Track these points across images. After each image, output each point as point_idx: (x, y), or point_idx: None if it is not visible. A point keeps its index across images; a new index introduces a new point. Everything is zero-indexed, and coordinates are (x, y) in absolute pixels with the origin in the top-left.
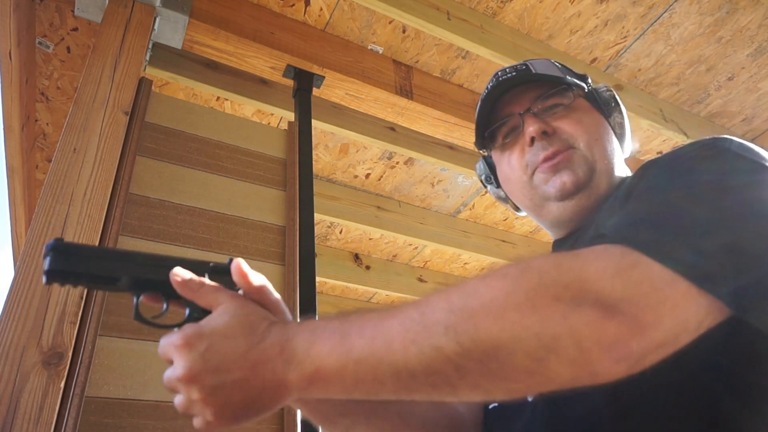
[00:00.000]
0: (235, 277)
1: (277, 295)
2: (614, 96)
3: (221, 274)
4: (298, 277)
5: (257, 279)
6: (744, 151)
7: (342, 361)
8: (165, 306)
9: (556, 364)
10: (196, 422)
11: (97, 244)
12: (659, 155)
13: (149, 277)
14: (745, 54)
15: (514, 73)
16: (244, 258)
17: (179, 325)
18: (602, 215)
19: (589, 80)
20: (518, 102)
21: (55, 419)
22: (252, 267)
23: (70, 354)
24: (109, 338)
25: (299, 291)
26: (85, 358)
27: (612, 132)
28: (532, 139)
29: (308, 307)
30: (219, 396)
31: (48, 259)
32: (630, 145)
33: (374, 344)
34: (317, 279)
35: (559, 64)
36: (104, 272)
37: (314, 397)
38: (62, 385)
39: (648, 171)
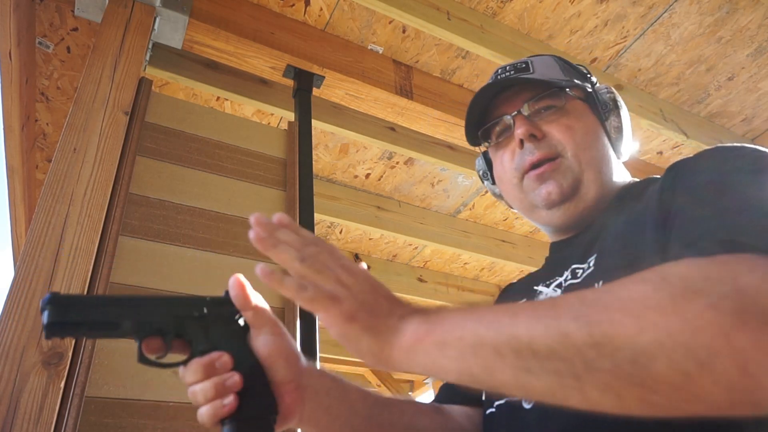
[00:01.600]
0: (232, 291)
1: (274, 317)
2: (614, 98)
3: (219, 305)
4: None
5: (256, 297)
6: None
7: (463, 323)
8: (168, 345)
9: (710, 383)
10: (312, 294)
11: (97, 244)
12: (686, 158)
13: (150, 319)
14: (745, 54)
15: (512, 72)
16: (244, 258)
17: (185, 362)
18: (621, 219)
19: (594, 79)
20: (512, 102)
21: (55, 419)
22: (252, 267)
23: (70, 354)
24: (109, 339)
25: None
26: (85, 358)
27: (606, 137)
28: (522, 141)
29: None
30: (353, 297)
31: (46, 312)
32: (629, 148)
33: (499, 317)
34: None
35: (563, 62)
36: (105, 319)
37: (418, 364)
38: (62, 385)
39: (693, 167)
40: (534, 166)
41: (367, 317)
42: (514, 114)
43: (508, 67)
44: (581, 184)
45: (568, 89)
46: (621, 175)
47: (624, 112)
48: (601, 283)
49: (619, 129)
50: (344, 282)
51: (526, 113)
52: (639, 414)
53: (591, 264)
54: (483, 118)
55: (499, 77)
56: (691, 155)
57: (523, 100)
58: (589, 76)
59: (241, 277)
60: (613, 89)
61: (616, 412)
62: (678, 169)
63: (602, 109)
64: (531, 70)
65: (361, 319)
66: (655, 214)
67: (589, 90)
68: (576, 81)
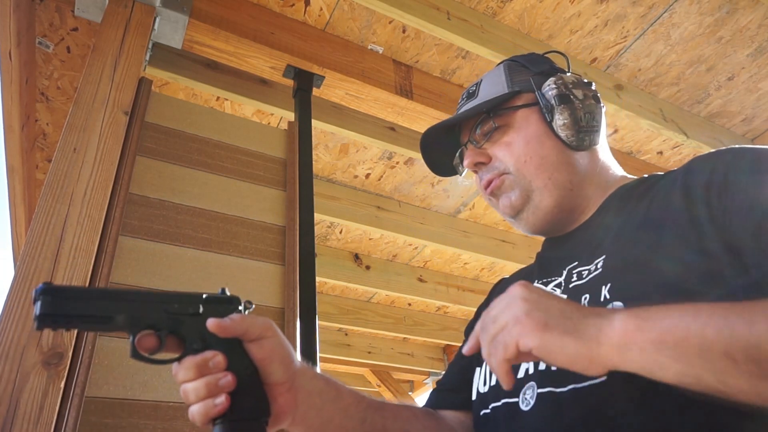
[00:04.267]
0: (221, 335)
1: (268, 321)
2: (559, 94)
3: (215, 303)
4: (298, 277)
5: (239, 321)
6: None
7: (683, 324)
8: (162, 342)
9: None
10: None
11: (97, 244)
12: (702, 160)
13: (144, 314)
14: (745, 54)
15: (465, 99)
16: (244, 258)
17: (179, 359)
18: (629, 220)
19: (551, 73)
20: (464, 132)
21: (55, 419)
22: (252, 267)
23: (70, 354)
24: (109, 338)
25: (299, 291)
26: (85, 358)
27: (554, 137)
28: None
29: (308, 307)
30: (538, 310)
31: (39, 303)
32: (597, 133)
33: (728, 319)
34: (317, 279)
35: (515, 64)
36: (98, 312)
37: (632, 361)
38: (62, 385)
39: (728, 178)
40: (485, 188)
41: (561, 321)
42: (465, 143)
43: (465, 95)
44: (532, 193)
45: (499, 109)
46: (598, 168)
47: (577, 101)
48: (609, 286)
49: (568, 125)
50: (513, 314)
51: (474, 142)
52: None
53: (599, 266)
54: (454, 145)
55: (458, 110)
56: (702, 154)
57: (470, 127)
58: (543, 72)
59: (214, 320)
60: (565, 78)
61: None
62: (704, 175)
63: (546, 111)
64: (476, 95)
65: (555, 324)
66: (679, 218)
67: (535, 93)
68: (516, 88)
